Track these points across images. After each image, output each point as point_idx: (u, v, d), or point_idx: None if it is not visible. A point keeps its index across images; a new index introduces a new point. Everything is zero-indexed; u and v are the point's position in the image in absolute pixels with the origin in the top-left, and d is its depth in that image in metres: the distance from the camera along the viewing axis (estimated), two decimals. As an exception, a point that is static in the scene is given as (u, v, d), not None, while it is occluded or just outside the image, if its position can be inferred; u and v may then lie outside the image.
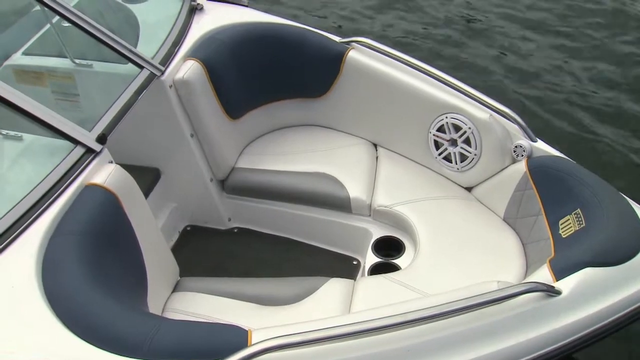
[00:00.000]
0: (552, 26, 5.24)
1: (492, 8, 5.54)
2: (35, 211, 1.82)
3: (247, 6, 3.01)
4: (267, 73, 2.85)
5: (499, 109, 2.46)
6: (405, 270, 2.34)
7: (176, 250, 2.79)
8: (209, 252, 2.81)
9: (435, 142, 2.69)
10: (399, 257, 2.49)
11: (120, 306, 1.65)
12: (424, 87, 2.60)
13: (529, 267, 2.26)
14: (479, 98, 2.49)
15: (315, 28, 2.90)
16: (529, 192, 2.35)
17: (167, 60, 2.53)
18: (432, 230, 2.45)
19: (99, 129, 2.08)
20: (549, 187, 2.27)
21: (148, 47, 2.52)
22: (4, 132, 2.15)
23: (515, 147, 2.43)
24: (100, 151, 2.04)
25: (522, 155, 2.42)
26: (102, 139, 2.05)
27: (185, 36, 2.70)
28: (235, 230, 2.93)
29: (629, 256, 1.86)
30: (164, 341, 1.56)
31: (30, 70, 2.59)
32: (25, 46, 2.67)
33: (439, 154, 2.70)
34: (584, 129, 4.10)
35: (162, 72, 2.47)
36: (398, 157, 2.86)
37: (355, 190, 2.65)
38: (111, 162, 2.08)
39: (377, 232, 2.62)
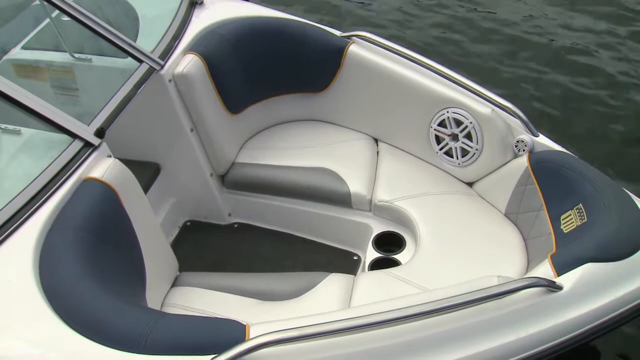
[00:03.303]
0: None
1: None
2: (33, 205, 1.82)
3: (247, 0, 2.99)
4: (267, 68, 2.83)
5: (501, 104, 2.45)
6: (405, 265, 2.33)
7: (176, 245, 2.79)
8: (208, 248, 2.81)
9: (437, 137, 2.67)
10: (399, 253, 2.48)
11: (118, 301, 1.65)
12: (425, 81, 2.58)
13: (530, 262, 2.25)
14: (481, 92, 2.48)
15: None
16: (531, 187, 2.34)
17: (166, 54, 2.52)
18: (432, 226, 2.44)
19: (98, 122, 2.07)
20: (550, 182, 2.26)
21: (148, 41, 2.51)
22: (3, 126, 2.14)
23: (517, 141, 2.42)
24: (99, 145, 2.03)
25: (524, 150, 2.41)
26: (100, 133, 2.04)
27: (185, 30, 2.69)
28: (235, 226, 2.92)
29: (631, 252, 1.85)
30: (161, 335, 1.56)
31: (29, 64, 2.58)
32: (25, 40, 2.67)
33: (440, 149, 2.68)
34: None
35: (162, 66, 2.46)
36: (399, 152, 2.84)
37: (355, 185, 2.64)
38: (110, 156, 2.07)
39: (378, 227, 2.61)
